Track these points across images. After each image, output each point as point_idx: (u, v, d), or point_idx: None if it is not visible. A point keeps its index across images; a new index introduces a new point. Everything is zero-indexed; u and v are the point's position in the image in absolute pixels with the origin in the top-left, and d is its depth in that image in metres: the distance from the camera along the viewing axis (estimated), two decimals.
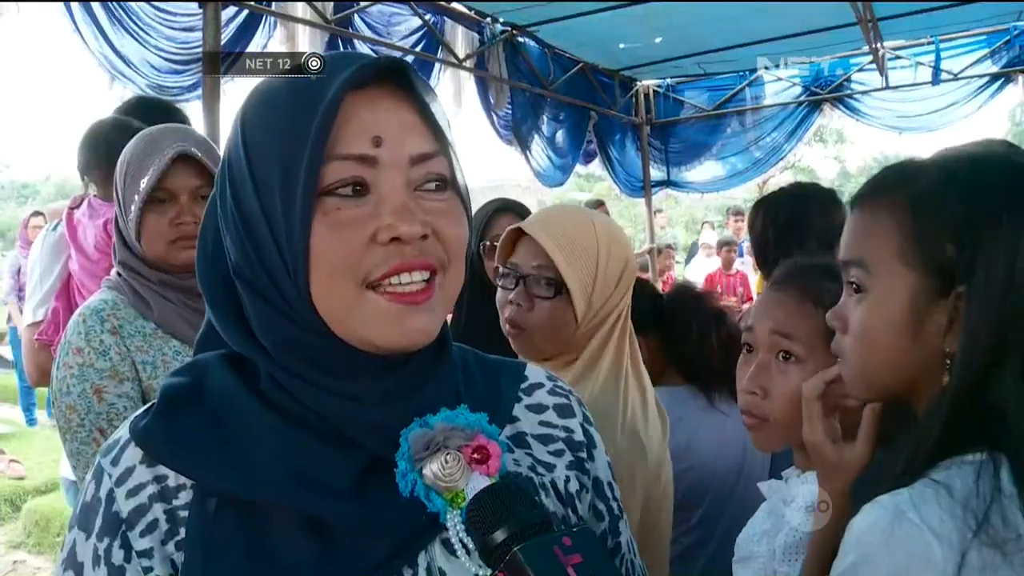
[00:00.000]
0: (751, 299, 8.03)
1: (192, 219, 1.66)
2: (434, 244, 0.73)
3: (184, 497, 0.73)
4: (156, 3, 4.15)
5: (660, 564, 1.51)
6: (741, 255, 9.03)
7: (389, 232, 0.70)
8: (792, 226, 2.17)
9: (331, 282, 0.71)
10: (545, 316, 1.44)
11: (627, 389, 1.48)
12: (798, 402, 1.19)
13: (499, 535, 0.65)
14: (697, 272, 8.80)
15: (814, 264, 1.37)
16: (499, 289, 1.53)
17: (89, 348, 1.62)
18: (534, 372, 0.93)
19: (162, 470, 0.74)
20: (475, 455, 0.71)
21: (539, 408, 0.89)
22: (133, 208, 1.66)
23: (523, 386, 0.90)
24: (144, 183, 1.64)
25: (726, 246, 8.88)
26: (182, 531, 0.72)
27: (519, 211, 2.41)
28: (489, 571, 0.64)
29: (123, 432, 0.78)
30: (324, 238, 0.70)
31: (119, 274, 1.74)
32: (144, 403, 1.62)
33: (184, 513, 0.73)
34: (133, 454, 0.75)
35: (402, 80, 0.75)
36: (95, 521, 0.74)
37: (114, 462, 0.75)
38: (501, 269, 1.52)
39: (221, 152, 0.80)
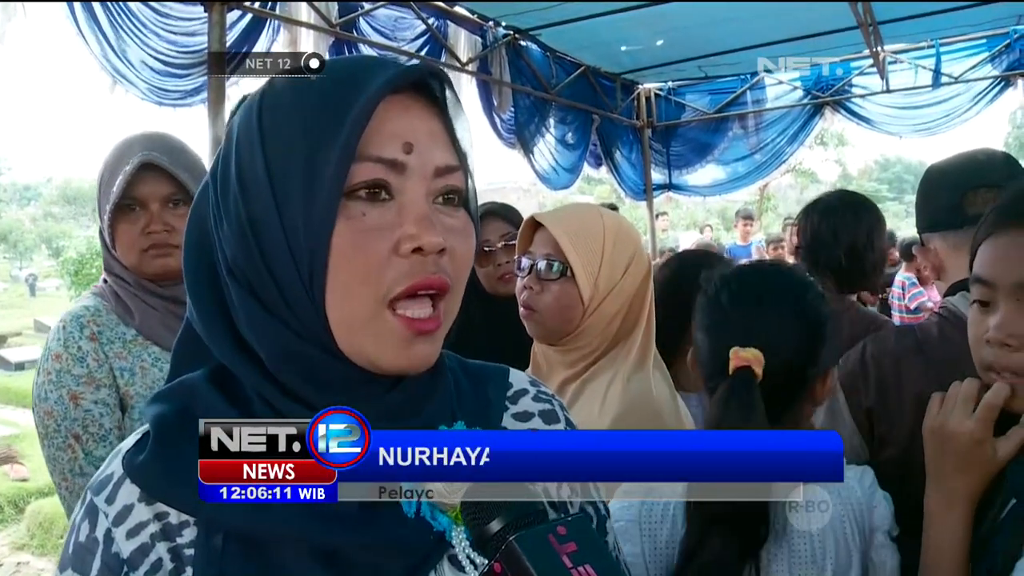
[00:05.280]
0: None
1: (163, 227, 1.63)
2: (448, 261, 0.72)
3: (188, 534, 0.70)
4: (158, 5, 4.16)
5: None
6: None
7: (412, 242, 0.69)
8: (841, 231, 2.25)
9: (351, 292, 0.69)
10: (553, 297, 1.57)
11: (657, 379, 1.58)
12: None
13: (494, 525, 0.65)
14: None
15: None
16: (518, 280, 1.66)
17: (67, 354, 1.60)
18: (518, 378, 0.93)
19: (162, 507, 0.71)
20: None
21: (525, 416, 0.89)
22: (106, 216, 1.63)
23: (508, 394, 0.90)
24: (114, 192, 1.61)
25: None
26: (188, 570, 0.70)
27: (507, 215, 2.40)
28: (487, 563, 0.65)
29: (115, 467, 0.74)
30: (347, 244, 0.68)
31: (105, 280, 1.72)
32: (121, 409, 1.61)
33: (189, 551, 0.70)
34: (129, 491, 0.72)
35: (435, 90, 0.74)
36: (92, 563, 0.71)
37: (109, 500, 0.72)
38: (520, 261, 1.65)
39: (206, 156, 0.77)
